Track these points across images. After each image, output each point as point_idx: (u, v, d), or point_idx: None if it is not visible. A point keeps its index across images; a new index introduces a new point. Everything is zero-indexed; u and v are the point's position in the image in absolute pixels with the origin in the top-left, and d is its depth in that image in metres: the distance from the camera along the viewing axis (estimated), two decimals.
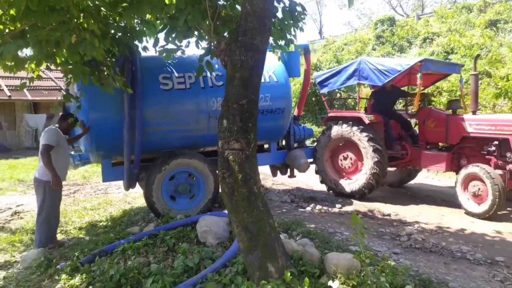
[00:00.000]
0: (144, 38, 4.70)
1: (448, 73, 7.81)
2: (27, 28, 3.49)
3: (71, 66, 4.10)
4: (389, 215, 6.15)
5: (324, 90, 7.92)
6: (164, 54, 3.87)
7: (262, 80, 6.30)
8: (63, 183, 4.95)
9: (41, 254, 4.39)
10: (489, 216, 5.61)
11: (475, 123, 6.25)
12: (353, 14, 67.13)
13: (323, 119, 8.12)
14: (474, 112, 6.50)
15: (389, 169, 7.45)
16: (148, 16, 4.18)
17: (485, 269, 4.06)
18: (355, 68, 7.08)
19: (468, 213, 5.91)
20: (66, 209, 6.90)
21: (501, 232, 5.22)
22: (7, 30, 3.67)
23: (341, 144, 7.46)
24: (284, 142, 7.51)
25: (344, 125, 7.13)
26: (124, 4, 3.79)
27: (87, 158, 6.07)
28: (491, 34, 14.68)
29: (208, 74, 5.89)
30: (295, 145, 7.42)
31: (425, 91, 8.38)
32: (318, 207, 6.52)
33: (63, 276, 3.75)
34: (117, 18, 4.24)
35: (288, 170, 7.44)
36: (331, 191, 7.44)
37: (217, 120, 5.67)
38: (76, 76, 4.07)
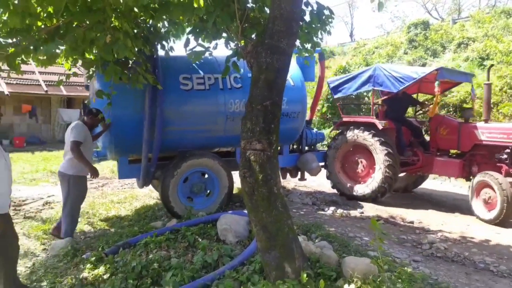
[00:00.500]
0: (172, 39, 4.84)
1: (460, 82, 7.75)
2: (61, 25, 3.66)
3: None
4: (412, 222, 6.06)
5: (338, 96, 8.01)
6: (193, 56, 3.96)
7: None
8: (88, 176, 5.05)
9: (68, 243, 4.59)
10: (499, 222, 5.73)
11: (487, 131, 6.40)
12: (386, 17, 66.03)
13: (336, 124, 8.23)
14: (486, 121, 6.64)
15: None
16: (179, 17, 4.31)
17: (509, 282, 3.94)
18: (370, 75, 7.17)
19: (480, 219, 6.03)
20: (94, 201, 7.16)
21: None
22: (42, 26, 3.86)
23: (352, 149, 7.53)
24: (295, 146, 7.58)
25: (356, 130, 7.22)
26: (155, 6, 3.92)
27: (104, 155, 6.16)
28: None
29: (227, 76, 5.96)
30: (306, 148, 7.48)
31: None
32: (339, 210, 6.49)
33: (88, 265, 3.92)
34: (147, 19, 4.38)
35: (299, 173, 7.52)
36: (342, 196, 7.47)
37: (233, 121, 5.88)
38: (108, 75, 4.23)
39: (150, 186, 6.87)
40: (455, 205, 7.21)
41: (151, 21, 4.50)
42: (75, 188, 4.85)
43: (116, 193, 7.96)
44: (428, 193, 8.19)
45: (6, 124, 17.14)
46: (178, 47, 17.19)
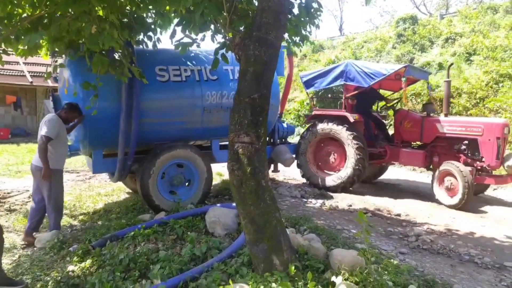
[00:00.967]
0: (158, 30, 4.78)
1: (419, 79, 8.28)
2: (44, 15, 3.59)
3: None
4: (399, 215, 6.13)
5: (310, 90, 8.40)
6: (180, 48, 3.92)
7: None
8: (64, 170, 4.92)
9: (55, 236, 4.54)
10: (461, 206, 6.27)
11: (447, 125, 7.00)
12: (375, 11, 66.09)
13: (308, 117, 8.54)
14: (446, 115, 7.31)
15: None
16: (166, 8, 4.25)
17: (493, 273, 4.03)
18: (342, 70, 7.58)
19: (442, 204, 6.59)
20: (81, 194, 7.09)
21: (511, 237, 5.16)
22: (24, 15, 3.77)
23: (323, 141, 7.87)
24: (268, 138, 7.60)
25: (329, 123, 7.55)
26: None
27: (76, 149, 5.82)
28: None
29: (203, 68, 5.94)
30: (278, 141, 7.59)
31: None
32: (328, 203, 6.54)
33: (75, 258, 3.89)
34: (133, 8, 4.31)
35: (272, 165, 7.66)
36: (312, 185, 7.72)
37: (210, 113, 5.86)
38: (95, 66, 4.16)
39: None
40: None
41: (137, 11, 4.43)
42: (57, 182, 4.75)
43: (103, 186, 7.88)
44: (415, 185, 8.31)
45: None
46: (164, 39, 17.00)
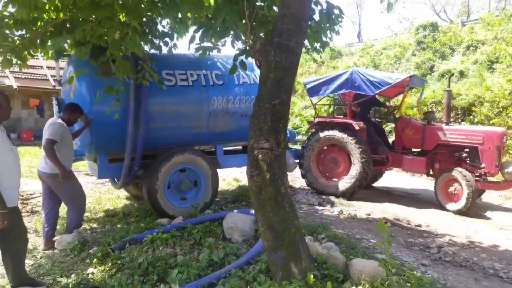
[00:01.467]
0: (175, 36, 4.84)
1: (418, 87, 8.39)
2: (68, 19, 3.67)
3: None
4: (419, 225, 6.00)
5: (314, 97, 8.34)
6: (200, 52, 3.95)
7: (253, 82, 6.31)
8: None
9: (75, 237, 4.60)
10: (465, 211, 6.43)
11: (449, 133, 7.16)
12: (394, 18, 65.57)
13: (311, 124, 8.58)
14: (447, 123, 7.53)
15: None
16: (187, 14, 4.30)
17: None
18: (347, 78, 7.49)
19: (447, 210, 6.70)
20: (101, 197, 7.18)
21: None
22: (49, 20, 3.86)
23: (327, 148, 7.88)
24: None
25: (333, 131, 7.60)
26: (162, 3, 3.91)
27: (81, 154, 5.67)
28: None
29: (209, 72, 5.94)
30: None
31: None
32: (346, 212, 6.45)
33: (95, 260, 3.93)
34: (154, 15, 4.37)
35: None
36: (319, 192, 7.65)
37: (216, 118, 5.86)
38: (120, 72, 4.22)
39: None
40: None
41: (155, 18, 4.50)
42: (69, 183, 4.60)
43: (122, 189, 7.95)
44: (432, 195, 8.11)
45: (14, 118, 17.21)
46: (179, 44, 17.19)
